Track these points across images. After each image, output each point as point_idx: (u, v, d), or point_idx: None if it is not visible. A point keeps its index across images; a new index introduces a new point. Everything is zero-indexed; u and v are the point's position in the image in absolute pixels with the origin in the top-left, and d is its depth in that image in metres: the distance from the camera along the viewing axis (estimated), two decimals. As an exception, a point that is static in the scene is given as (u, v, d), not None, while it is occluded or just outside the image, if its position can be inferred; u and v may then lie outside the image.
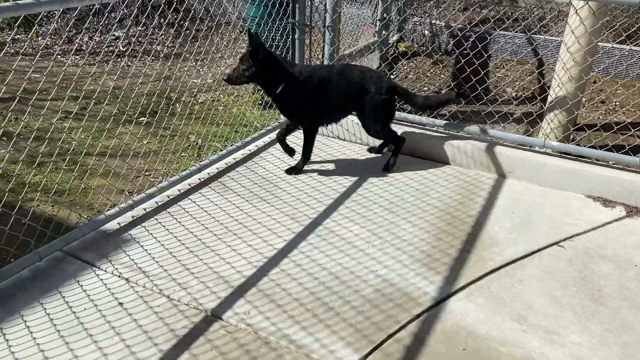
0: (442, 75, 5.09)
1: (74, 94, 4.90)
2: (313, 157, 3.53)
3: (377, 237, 2.73)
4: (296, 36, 3.88)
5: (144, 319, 2.15)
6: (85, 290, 2.29)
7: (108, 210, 2.85)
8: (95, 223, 2.67)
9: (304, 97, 3.14)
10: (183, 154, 3.87)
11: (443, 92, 4.87)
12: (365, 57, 4.82)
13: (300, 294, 2.33)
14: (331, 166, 3.48)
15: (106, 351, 1.99)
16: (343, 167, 3.48)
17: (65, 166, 3.62)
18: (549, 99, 3.55)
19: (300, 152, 3.38)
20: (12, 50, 6.64)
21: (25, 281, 2.33)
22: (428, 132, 3.63)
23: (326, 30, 3.94)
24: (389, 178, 3.34)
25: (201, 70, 5.91)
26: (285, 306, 2.25)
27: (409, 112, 3.76)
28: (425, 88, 4.93)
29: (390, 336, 2.09)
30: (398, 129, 3.68)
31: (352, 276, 2.44)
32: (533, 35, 5.24)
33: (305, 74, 3.12)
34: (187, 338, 2.07)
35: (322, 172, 3.40)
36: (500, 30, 5.17)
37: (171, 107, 4.77)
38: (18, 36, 7.20)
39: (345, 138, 3.90)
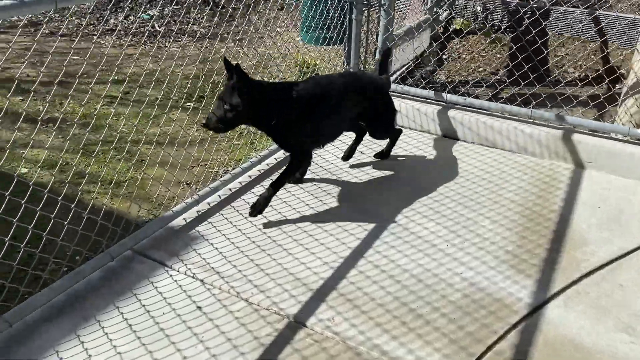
0: (499, 55, 4.82)
1: (115, 77, 4.79)
2: (374, 147, 3.36)
3: (456, 235, 2.57)
4: (353, 16, 3.67)
5: (225, 325, 2.05)
6: (160, 293, 2.20)
7: (171, 204, 2.75)
8: (163, 220, 2.56)
9: (306, 121, 2.59)
10: (236, 142, 3.73)
11: (500, 72, 4.62)
12: (416, 36, 4.58)
13: (384, 298, 2.19)
14: (393, 156, 3.30)
15: (191, 361, 1.89)
16: (406, 157, 3.31)
17: (118, 155, 3.52)
18: (629, 82, 3.30)
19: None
20: (47, 31, 6.54)
21: (98, 282, 2.24)
22: (496, 119, 3.42)
23: (382, 9, 3.73)
24: (457, 169, 3.16)
25: (240, 51, 5.72)
26: (370, 312, 2.12)
27: (475, 97, 3.55)
28: (481, 69, 4.69)
29: (489, 348, 1.95)
30: (462, 115, 3.48)
31: (436, 279, 2.30)
32: (596, 12, 4.92)
33: (303, 95, 2.56)
34: (274, 347, 1.96)
35: (385, 164, 3.23)
36: (559, 5, 4.87)
37: (216, 91, 4.61)
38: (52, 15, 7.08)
39: (404, 124, 3.72)
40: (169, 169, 2.99)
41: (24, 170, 3.37)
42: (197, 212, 2.71)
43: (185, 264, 2.35)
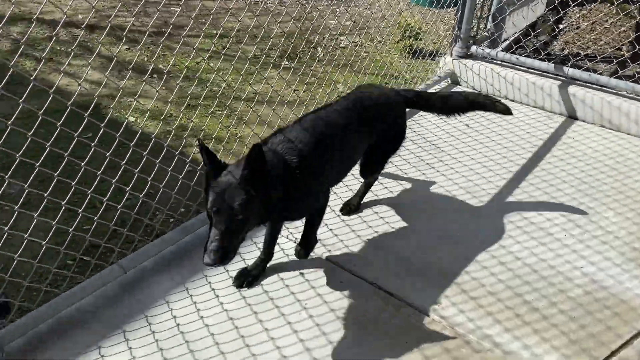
0: (623, 27, 4.34)
1: (215, 31, 4.80)
2: (480, 120, 3.15)
3: (575, 225, 2.37)
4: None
5: (328, 295, 2.02)
6: (264, 255, 2.20)
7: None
8: (266, 181, 2.54)
9: (319, 169, 1.94)
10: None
11: (624, 48, 4.16)
12: (535, 3, 4.20)
13: (495, 286, 2.06)
14: (502, 132, 3.08)
15: (296, 327, 1.89)
16: (518, 135, 3.07)
17: (218, 110, 3.55)
18: None
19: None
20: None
21: (204, 238, 2.27)
22: (624, 99, 3.09)
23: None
24: (576, 152, 2.90)
25: (337, 10, 5.55)
26: (479, 299, 2.01)
27: (600, 74, 3.20)
28: (602, 42, 4.25)
29: (613, 353, 1.79)
30: (584, 92, 3.17)
31: (552, 271, 2.13)
32: None
33: (308, 146, 1.88)
34: (378, 323, 1.91)
35: (492, 139, 3.02)
36: None
37: (312, 50, 4.52)
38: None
39: (515, 99, 3.45)
40: (267, 129, 2.96)
41: (131, 119, 3.48)
42: (299, 175, 2.67)
43: (287, 228, 2.33)
